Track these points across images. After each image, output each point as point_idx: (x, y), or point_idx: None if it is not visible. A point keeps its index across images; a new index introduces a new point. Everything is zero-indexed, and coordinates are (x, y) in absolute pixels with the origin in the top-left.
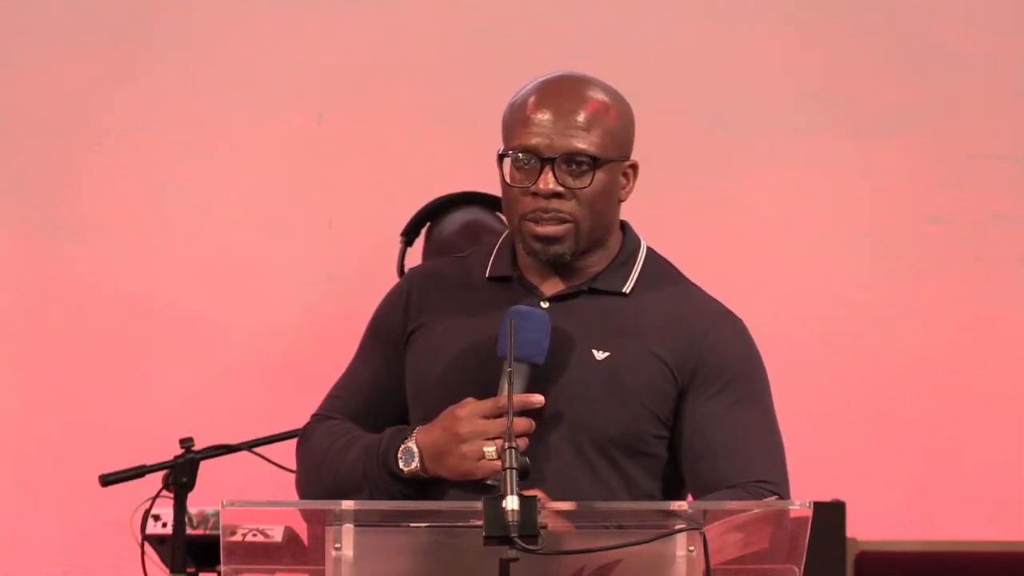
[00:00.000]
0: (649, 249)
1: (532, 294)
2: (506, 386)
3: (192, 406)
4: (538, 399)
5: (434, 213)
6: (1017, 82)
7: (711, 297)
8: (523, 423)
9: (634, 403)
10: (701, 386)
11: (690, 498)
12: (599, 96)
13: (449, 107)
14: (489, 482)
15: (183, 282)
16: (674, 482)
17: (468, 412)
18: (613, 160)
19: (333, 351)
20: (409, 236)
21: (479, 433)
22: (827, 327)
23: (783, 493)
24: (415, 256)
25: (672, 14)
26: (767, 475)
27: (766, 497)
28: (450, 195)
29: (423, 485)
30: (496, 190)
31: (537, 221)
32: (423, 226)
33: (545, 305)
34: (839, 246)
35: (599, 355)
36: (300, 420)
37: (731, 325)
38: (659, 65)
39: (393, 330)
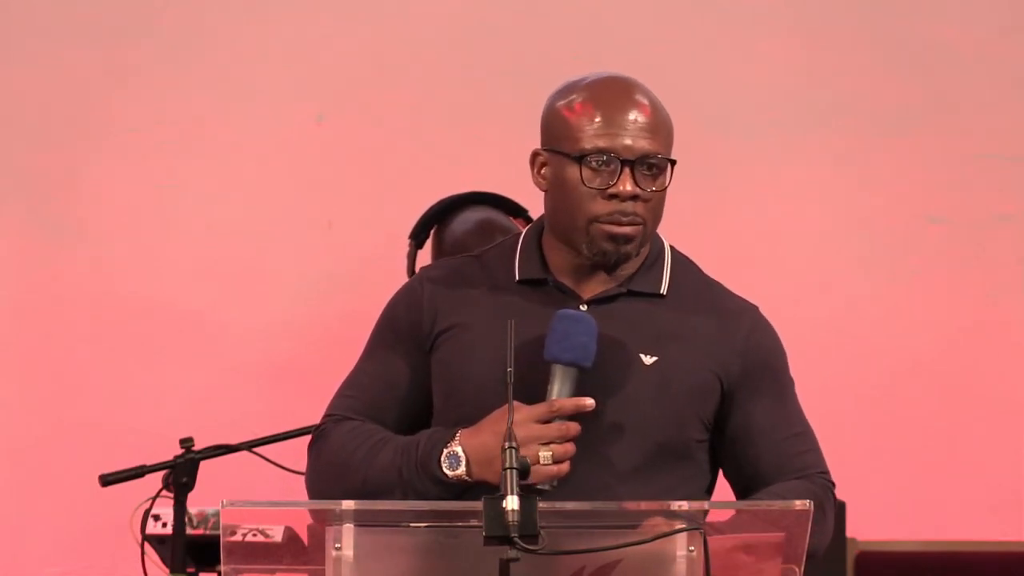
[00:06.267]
0: (672, 248)
1: (569, 297)
2: (554, 389)
3: (192, 406)
4: (589, 402)
5: (441, 215)
6: (1017, 82)
7: (738, 296)
8: (574, 427)
9: (683, 408)
10: (750, 386)
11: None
12: (654, 98)
13: (449, 107)
14: (539, 487)
15: (183, 282)
16: (705, 486)
17: (522, 417)
18: (673, 161)
19: (333, 351)
20: (419, 238)
21: (535, 438)
22: (827, 327)
23: (829, 477)
24: (424, 259)
25: (672, 14)
26: (821, 466)
27: (827, 488)
28: (456, 196)
29: (462, 490)
30: (500, 190)
31: (616, 223)
32: (431, 228)
33: (584, 308)
34: (839, 246)
35: (647, 360)
36: (300, 420)
37: (765, 322)
38: (659, 65)
39: (417, 330)
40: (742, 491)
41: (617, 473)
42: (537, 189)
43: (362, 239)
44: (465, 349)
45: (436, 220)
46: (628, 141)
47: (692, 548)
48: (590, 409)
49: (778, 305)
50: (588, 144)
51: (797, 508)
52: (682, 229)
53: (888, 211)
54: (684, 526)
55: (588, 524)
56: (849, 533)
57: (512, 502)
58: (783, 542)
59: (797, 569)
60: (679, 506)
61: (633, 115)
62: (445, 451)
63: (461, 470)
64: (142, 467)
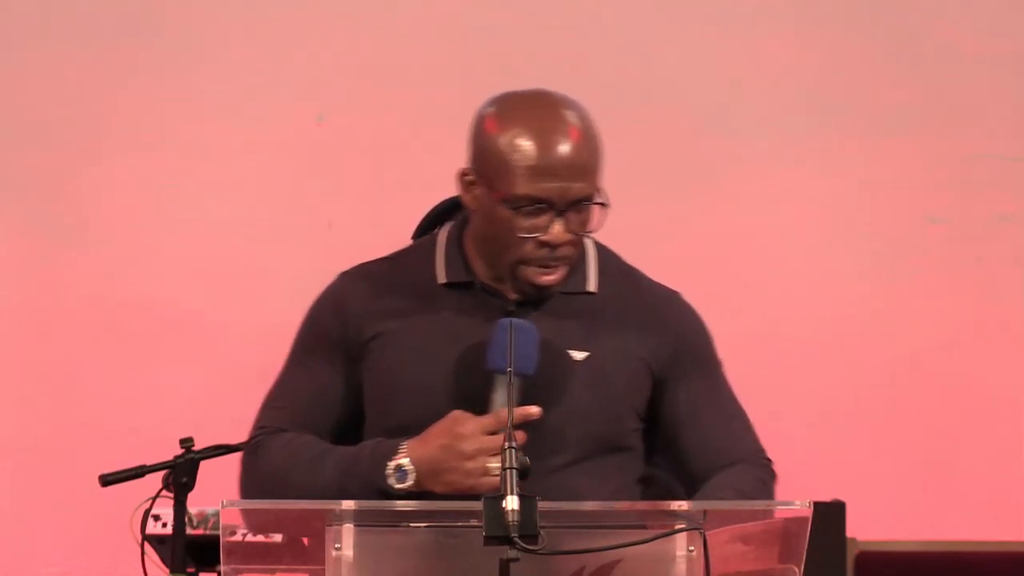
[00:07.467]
0: (595, 242)
1: (497, 299)
2: (498, 399)
3: (192, 406)
4: (535, 411)
5: (444, 215)
6: (1017, 82)
7: (660, 283)
8: (521, 437)
9: (616, 400)
10: (680, 372)
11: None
12: (586, 124)
13: (449, 107)
14: (489, 497)
15: (183, 282)
16: (640, 473)
17: (472, 429)
18: (604, 203)
19: None
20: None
21: (484, 450)
22: (827, 327)
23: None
24: None
25: (672, 14)
26: (756, 445)
27: (767, 467)
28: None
29: (408, 499)
30: None
31: (544, 267)
32: (435, 228)
33: (512, 309)
34: (839, 246)
35: (577, 356)
36: None
37: (690, 308)
38: (659, 65)
39: (344, 337)
40: (682, 475)
41: (555, 468)
42: None
43: (362, 239)
44: (397, 357)
45: (439, 221)
46: (560, 186)
47: (692, 548)
48: (537, 417)
49: (778, 305)
50: (519, 190)
51: (797, 508)
52: (681, 229)
53: (888, 211)
54: (684, 526)
55: (588, 524)
56: (849, 533)
57: (512, 502)
58: (779, 527)
59: (797, 569)
60: (679, 506)
61: (565, 154)
62: (391, 464)
63: (409, 482)
64: (142, 467)
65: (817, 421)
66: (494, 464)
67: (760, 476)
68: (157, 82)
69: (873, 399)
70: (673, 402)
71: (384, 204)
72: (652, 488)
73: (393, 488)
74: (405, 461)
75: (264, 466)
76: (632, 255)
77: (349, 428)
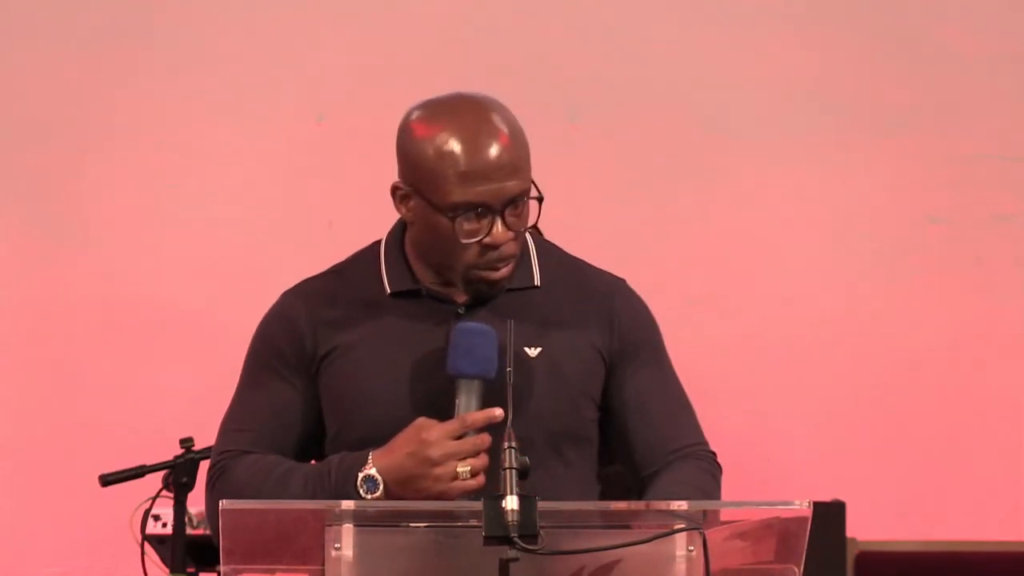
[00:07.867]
0: (534, 236)
1: (445, 304)
2: (461, 404)
3: (192, 406)
4: (498, 412)
5: None
6: (1017, 82)
7: (604, 270)
8: (487, 439)
9: (574, 393)
10: (628, 361)
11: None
12: (511, 122)
13: None
14: (489, 497)
15: (183, 282)
16: (599, 464)
17: (438, 435)
18: (540, 198)
19: None
20: None
21: (451, 455)
22: (827, 327)
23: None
24: None
25: (673, 14)
26: (698, 437)
27: (712, 459)
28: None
29: None
30: None
31: (492, 269)
32: None
33: (461, 312)
34: (839, 246)
35: (532, 352)
36: None
37: (635, 295)
38: (659, 65)
39: (300, 354)
40: (628, 463)
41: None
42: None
43: (362, 239)
44: (354, 371)
45: None
46: (495, 187)
47: (692, 548)
48: (499, 420)
49: (778, 305)
50: (457, 197)
51: (797, 508)
52: (681, 229)
53: (888, 211)
54: (684, 526)
55: (588, 524)
56: (849, 533)
57: (512, 502)
58: (777, 523)
59: (796, 569)
60: (679, 506)
61: (496, 155)
62: (360, 475)
63: (379, 492)
64: (142, 467)
65: (817, 421)
66: (463, 468)
67: (710, 471)
68: (157, 82)
69: (873, 399)
70: (620, 391)
71: (384, 204)
72: (612, 483)
73: (364, 499)
74: (373, 471)
75: (231, 489)
76: (632, 255)
77: (310, 445)
